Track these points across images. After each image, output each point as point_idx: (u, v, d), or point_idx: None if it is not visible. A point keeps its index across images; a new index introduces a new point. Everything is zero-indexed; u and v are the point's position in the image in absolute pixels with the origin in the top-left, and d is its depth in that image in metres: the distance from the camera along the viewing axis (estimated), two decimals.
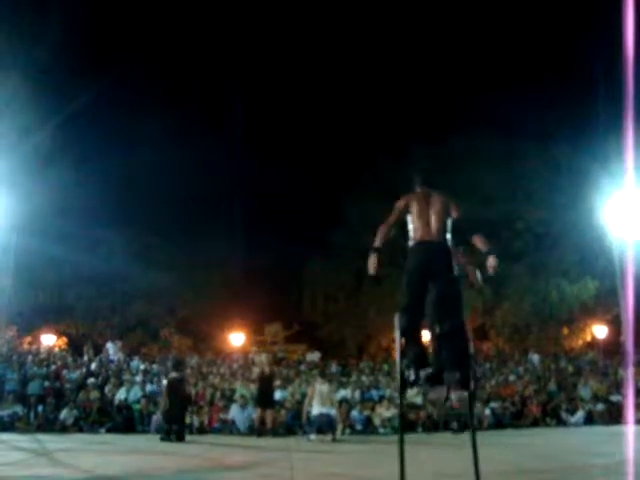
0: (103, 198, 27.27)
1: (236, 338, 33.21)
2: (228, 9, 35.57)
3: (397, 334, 5.43)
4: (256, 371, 15.98)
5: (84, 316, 30.46)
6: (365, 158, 31.32)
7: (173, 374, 13.17)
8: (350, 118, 33.21)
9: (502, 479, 5.46)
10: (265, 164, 33.49)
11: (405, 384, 5.38)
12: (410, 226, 5.64)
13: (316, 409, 12.99)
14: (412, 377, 5.31)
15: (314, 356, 22.72)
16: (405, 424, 14.82)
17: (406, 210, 5.67)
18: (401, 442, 5.06)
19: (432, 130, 30.10)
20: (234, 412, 14.91)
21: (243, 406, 14.87)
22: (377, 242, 5.57)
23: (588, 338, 29.79)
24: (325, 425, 12.68)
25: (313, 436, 12.38)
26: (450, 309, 5.43)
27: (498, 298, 28.51)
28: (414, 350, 5.36)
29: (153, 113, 29.16)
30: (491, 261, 5.32)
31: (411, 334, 5.42)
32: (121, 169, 27.57)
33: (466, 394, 5.57)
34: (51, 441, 11.06)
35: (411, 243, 5.62)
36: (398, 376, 5.39)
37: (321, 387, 13.48)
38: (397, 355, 5.40)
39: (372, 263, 5.49)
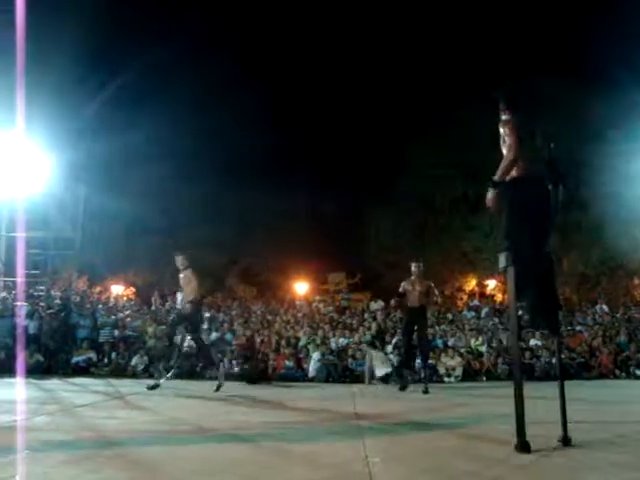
0: (169, 150, 27.61)
1: (300, 287, 33.50)
2: None
3: (510, 274, 5.22)
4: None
5: (150, 267, 31.10)
6: (430, 107, 30.55)
7: None
8: (416, 65, 32.42)
9: (572, 429, 5.33)
10: (328, 113, 33.24)
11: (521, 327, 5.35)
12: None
13: (379, 371, 13.88)
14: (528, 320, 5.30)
15: (377, 305, 22.63)
16: (470, 373, 15.01)
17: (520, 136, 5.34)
18: (519, 388, 5.03)
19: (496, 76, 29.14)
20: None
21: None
22: (498, 176, 5.31)
23: None
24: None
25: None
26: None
27: (565, 246, 27.87)
28: (532, 291, 5.26)
29: (222, 65, 29.28)
30: None
31: (527, 273, 5.27)
32: (186, 122, 27.81)
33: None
34: (123, 385, 11.39)
35: (515, 174, 5.35)
36: (513, 319, 5.28)
37: (377, 354, 14.32)
38: (511, 296, 5.24)
39: (492, 198, 5.29)
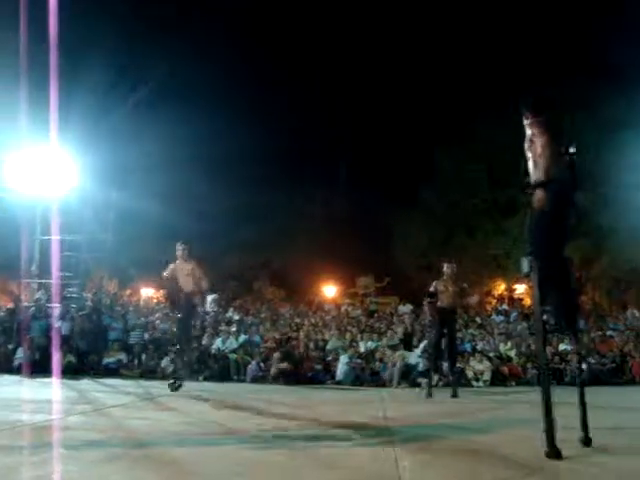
0: (199, 153, 27.83)
1: (328, 290, 33.52)
2: None
3: (534, 278, 5.29)
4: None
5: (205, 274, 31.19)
6: (460, 112, 30.39)
7: None
8: (447, 70, 32.28)
9: (603, 435, 5.30)
10: (359, 117, 33.25)
11: (546, 331, 5.38)
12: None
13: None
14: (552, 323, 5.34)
15: (406, 309, 22.56)
16: (499, 378, 14.90)
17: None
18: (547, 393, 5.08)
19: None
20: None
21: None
22: (545, 176, 5.36)
23: None
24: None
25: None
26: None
27: (596, 251, 27.55)
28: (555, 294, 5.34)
29: (252, 66, 29.48)
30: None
31: (551, 277, 5.34)
32: (217, 124, 27.98)
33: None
34: (153, 387, 11.51)
35: (543, 176, 5.40)
36: (538, 323, 5.30)
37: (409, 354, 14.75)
38: (535, 299, 5.29)
39: (541, 198, 5.31)
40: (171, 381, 10.74)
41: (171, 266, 11.06)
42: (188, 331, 11.30)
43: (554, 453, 4.85)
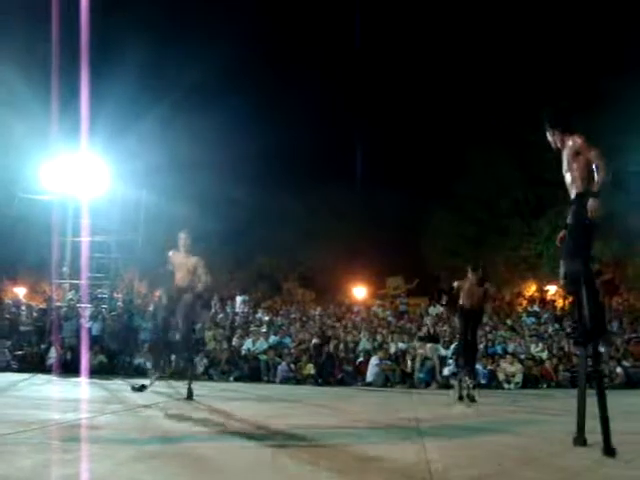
0: (228, 155, 27.92)
1: (358, 291, 33.45)
2: None
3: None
4: None
5: (209, 271, 31.42)
6: (491, 108, 30.05)
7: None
8: (478, 65, 31.92)
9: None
10: (389, 114, 33.12)
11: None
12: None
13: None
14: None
15: (437, 310, 22.41)
16: (530, 380, 14.72)
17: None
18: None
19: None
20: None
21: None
22: (600, 186, 5.48)
23: None
24: None
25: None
26: None
27: (629, 253, 27.08)
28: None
29: (280, 67, 29.59)
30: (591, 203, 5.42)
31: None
32: (245, 125, 28.11)
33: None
34: (184, 387, 11.53)
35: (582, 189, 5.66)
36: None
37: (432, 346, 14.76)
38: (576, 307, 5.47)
39: (597, 208, 5.43)
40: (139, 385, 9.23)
41: (170, 254, 9.78)
42: (187, 337, 9.78)
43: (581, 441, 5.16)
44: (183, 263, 9.55)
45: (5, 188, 21.01)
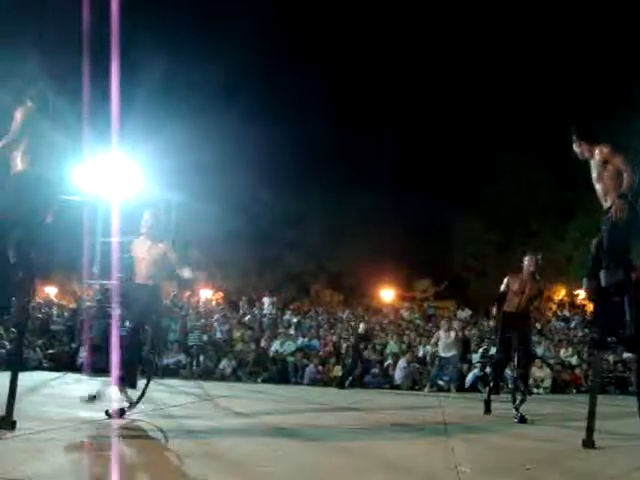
0: (257, 156, 28.01)
1: (386, 294, 33.38)
2: None
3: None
4: None
5: (239, 272, 31.61)
6: (522, 113, 29.78)
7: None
8: (510, 68, 31.62)
9: None
10: (418, 117, 32.93)
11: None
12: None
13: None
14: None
15: (465, 313, 22.32)
16: (559, 385, 14.55)
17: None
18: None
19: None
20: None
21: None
22: (626, 189, 5.55)
23: None
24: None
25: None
26: None
27: None
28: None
29: (309, 68, 29.62)
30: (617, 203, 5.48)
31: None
32: (275, 127, 28.16)
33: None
34: (212, 388, 11.61)
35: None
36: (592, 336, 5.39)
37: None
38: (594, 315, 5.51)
39: (623, 209, 5.48)
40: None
41: (134, 241, 7.90)
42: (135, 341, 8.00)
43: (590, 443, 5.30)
44: (147, 250, 7.57)
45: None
